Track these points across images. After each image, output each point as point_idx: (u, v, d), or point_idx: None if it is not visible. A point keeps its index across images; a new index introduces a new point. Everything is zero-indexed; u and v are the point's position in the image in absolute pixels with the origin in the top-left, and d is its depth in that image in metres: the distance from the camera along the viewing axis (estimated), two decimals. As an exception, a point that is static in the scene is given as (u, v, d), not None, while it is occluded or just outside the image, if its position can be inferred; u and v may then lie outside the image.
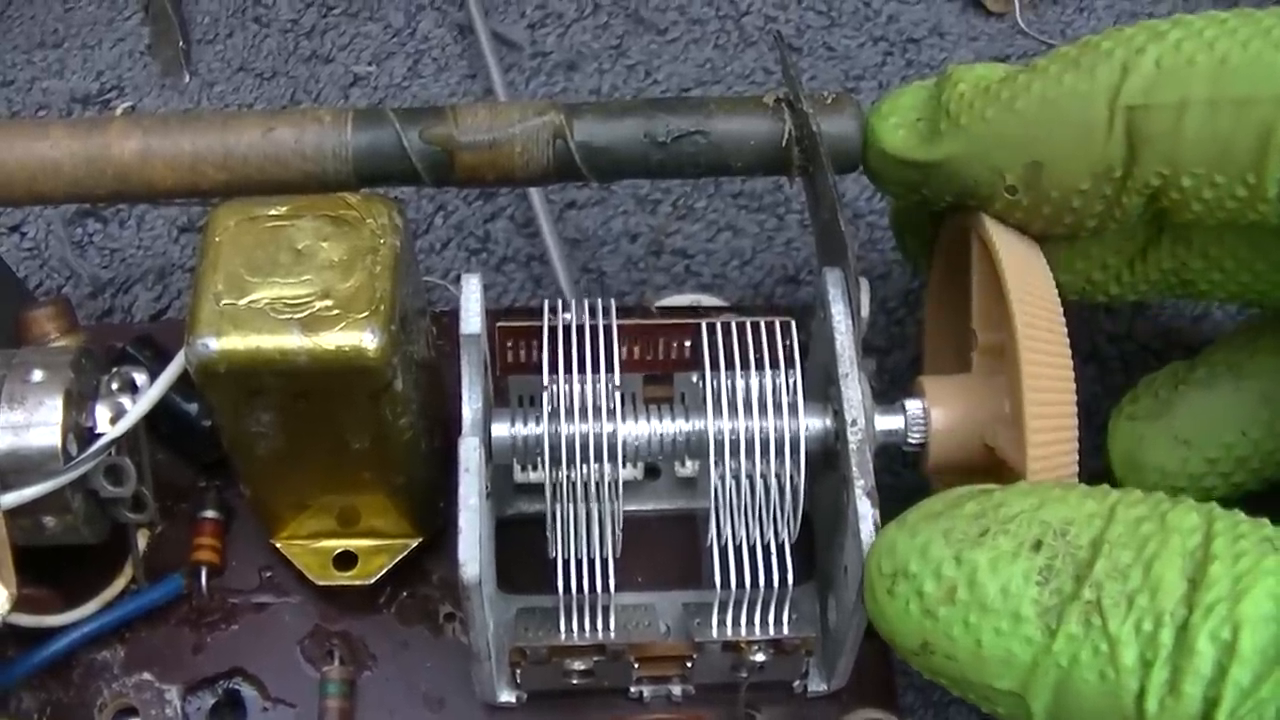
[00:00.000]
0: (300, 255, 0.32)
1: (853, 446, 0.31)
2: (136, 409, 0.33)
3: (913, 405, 0.33)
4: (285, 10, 0.51)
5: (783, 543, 0.33)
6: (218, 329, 0.31)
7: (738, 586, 0.33)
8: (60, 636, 0.36)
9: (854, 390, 0.32)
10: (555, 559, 0.33)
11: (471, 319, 0.33)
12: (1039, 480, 0.30)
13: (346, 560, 0.38)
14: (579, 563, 0.33)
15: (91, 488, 0.34)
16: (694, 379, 0.35)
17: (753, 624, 0.33)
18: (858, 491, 0.31)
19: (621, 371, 0.33)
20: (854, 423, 0.32)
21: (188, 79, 0.50)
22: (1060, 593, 0.26)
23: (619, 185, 0.47)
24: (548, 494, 0.33)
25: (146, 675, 0.37)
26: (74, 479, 0.33)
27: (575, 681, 0.35)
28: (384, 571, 0.37)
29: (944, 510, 0.28)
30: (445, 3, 0.52)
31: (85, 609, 0.37)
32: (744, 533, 0.33)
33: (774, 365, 0.33)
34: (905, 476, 0.40)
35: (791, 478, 0.33)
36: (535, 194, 0.45)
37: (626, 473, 0.38)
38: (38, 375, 0.33)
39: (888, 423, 0.33)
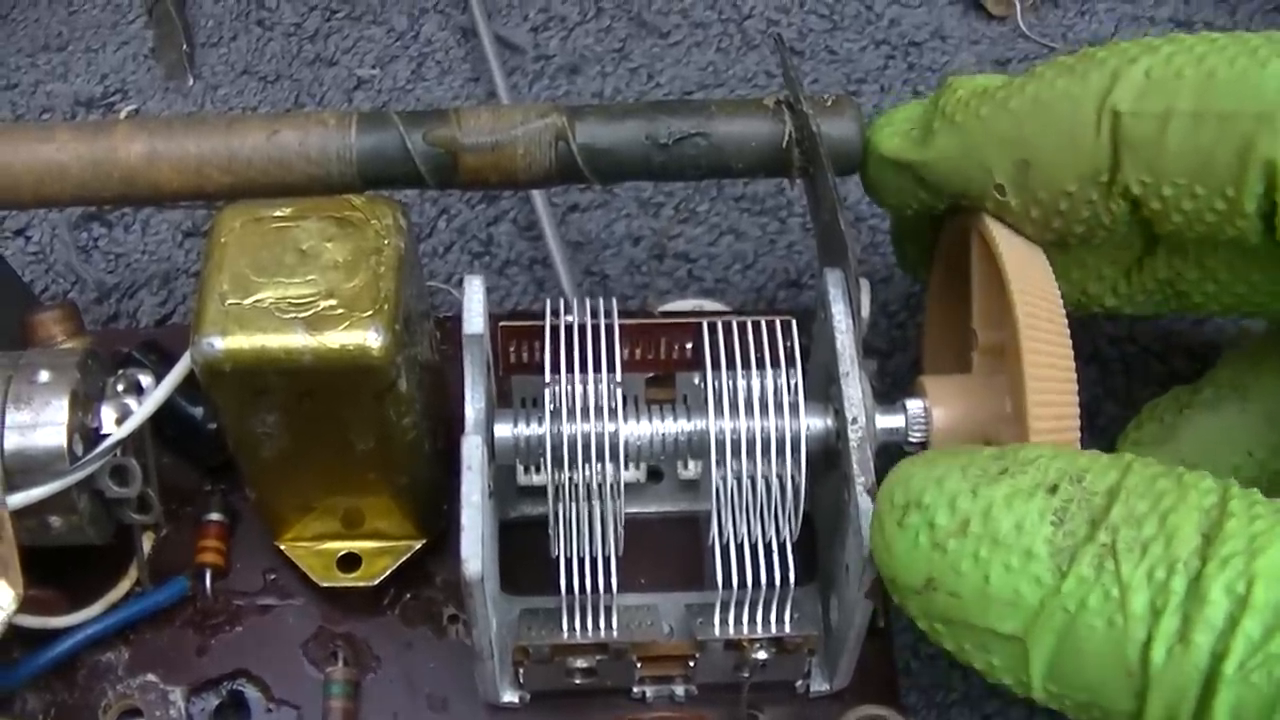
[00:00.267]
0: (305, 256, 0.32)
1: (853, 444, 0.32)
2: (142, 410, 0.34)
3: (914, 404, 0.34)
4: (289, 14, 0.52)
5: (784, 542, 0.33)
6: (223, 328, 0.31)
7: (739, 585, 0.33)
8: (65, 638, 0.36)
9: (854, 389, 0.32)
10: (558, 558, 0.33)
11: (474, 319, 0.33)
12: None
13: (350, 562, 0.38)
14: (581, 561, 0.33)
15: (97, 488, 0.34)
16: (695, 380, 0.35)
17: (755, 622, 0.34)
18: (859, 489, 0.31)
19: (623, 371, 0.33)
20: (854, 420, 0.32)
21: (192, 82, 0.50)
22: (1074, 535, 0.25)
23: (621, 189, 0.47)
24: (550, 493, 0.33)
25: (151, 677, 0.37)
26: (80, 479, 0.33)
27: (578, 681, 0.35)
28: (388, 573, 0.37)
29: (963, 451, 0.28)
30: (448, 6, 0.52)
31: (90, 610, 0.37)
32: (745, 531, 0.33)
33: (775, 365, 0.33)
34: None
35: (793, 477, 0.33)
36: (538, 197, 0.45)
37: (629, 475, 0.38)
38: (44, 376, 0.33)
39: (889, 422, 0.34)
